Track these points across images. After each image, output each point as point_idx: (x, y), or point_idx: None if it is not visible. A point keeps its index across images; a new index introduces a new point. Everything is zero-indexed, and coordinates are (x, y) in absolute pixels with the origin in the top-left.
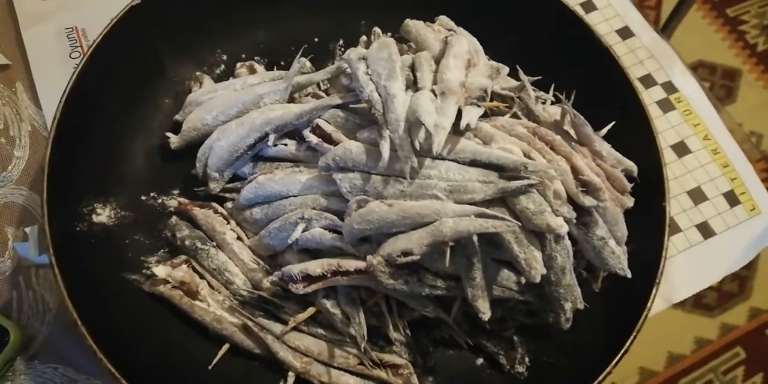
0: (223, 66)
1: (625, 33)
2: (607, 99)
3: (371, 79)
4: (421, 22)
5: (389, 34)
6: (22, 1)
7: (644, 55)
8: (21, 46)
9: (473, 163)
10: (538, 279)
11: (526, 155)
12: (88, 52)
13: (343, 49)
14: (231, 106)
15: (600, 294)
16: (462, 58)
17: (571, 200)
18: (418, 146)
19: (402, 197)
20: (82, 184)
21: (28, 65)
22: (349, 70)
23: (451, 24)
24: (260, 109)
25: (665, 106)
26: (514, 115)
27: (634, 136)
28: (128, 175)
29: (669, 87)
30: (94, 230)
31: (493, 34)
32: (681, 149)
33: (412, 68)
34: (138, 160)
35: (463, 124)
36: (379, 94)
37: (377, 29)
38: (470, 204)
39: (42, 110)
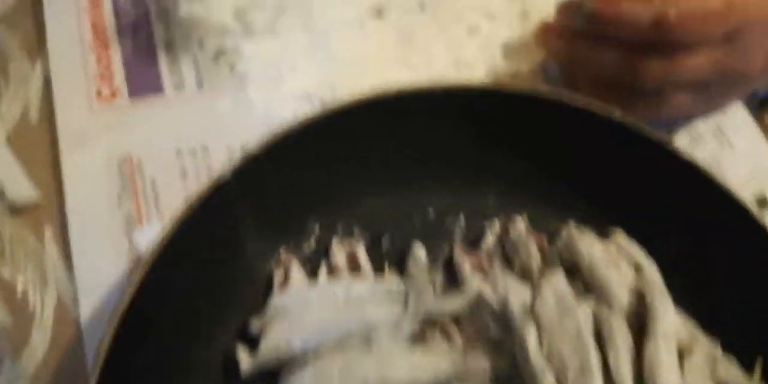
0: (313, 241)
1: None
2: None
3: (549, 363)
4: (598, 242)
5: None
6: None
7: None
8: (58, 176)
9: None
10: None
11: None
12: (151, 258)
13: (464, 227)
14: (330, 329)
15: None
16: (673, 342)
17: None
18: None
19: None
20: None
21: (63, 205)
22: (495, 306)
23: (635, 251)
24: (375, 357)
25: None
26: None
27: None
28: None
29: None
30: None
31: None
32: None
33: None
34: None
35: None
36: None
37: (520, 223)
38: None
39: (73, 274)
